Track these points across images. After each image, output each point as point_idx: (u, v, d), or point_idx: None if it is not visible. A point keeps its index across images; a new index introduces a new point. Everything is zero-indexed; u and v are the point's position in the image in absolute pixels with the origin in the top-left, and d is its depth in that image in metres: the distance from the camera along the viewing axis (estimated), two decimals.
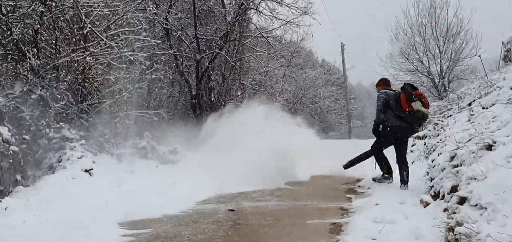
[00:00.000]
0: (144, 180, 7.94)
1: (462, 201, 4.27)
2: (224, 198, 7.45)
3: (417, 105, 7.35)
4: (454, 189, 4.87)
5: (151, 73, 13.67)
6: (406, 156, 7.59)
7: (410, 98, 7.38)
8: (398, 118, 7.44)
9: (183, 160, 11.01)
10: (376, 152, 7.74)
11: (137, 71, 11.68)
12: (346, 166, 8.32)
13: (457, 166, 5.36)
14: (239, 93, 18.35)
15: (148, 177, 8.40)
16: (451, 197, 4.64)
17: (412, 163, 9.98)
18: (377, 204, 5.84)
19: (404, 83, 7.84)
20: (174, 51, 15.74)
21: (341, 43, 37.72)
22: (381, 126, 7.53)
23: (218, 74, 17.67)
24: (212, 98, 16.92)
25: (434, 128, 10.30)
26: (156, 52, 14.71)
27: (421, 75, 25.51)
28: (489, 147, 5.22)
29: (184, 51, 16.56)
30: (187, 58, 17.07)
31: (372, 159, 8.02)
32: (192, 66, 17.24)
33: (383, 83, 8.02)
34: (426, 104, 7.53)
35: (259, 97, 22.07)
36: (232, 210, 6.31)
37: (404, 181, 7.27)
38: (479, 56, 15.71)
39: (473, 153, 5.32)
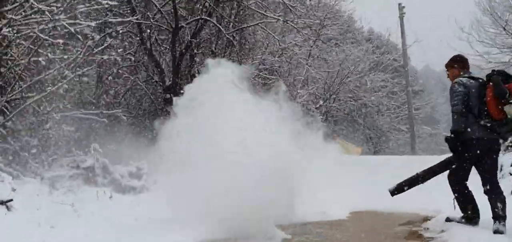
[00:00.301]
0: (90, 219, 7.94)
1: None
2: None
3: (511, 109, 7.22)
4: None
5: (102, 52, 13.71)
6: (498, 180, 7.56)
7: (502, 98, 7.25)
8: (482, 128, 7.37)
9: (150, 186, 11.04)
10: (455, 181, 7.68)
11: (80, 50, 11.72)
12: (395, 191, 8.34)
13: None
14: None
15: (97, 214, 8.41)
16: None
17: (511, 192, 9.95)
18: None
19: (493, 70, 7.67)
20: (138, 19, 15.80)
21: (399, 4, 37.72)
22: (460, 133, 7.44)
23: (206, 54, 17.72)
24: None
25: None
26: (110, 19, 14.79)
27: None
28: None
29: (153, 18, 16.63)
30: (158, 29, 17.14)
31: (445, 189, 7.96)
32: (166, 41, 17.31)
33: (459, 63, 7.90)
34: None
35: (270, 89, 22.20)
36: None
37: (498, 216, 7.18)
38: None
39: None
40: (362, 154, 30.15)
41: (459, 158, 7.56)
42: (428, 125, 48.00)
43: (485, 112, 7.34)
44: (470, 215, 7.57)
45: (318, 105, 29.65)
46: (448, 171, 7.80)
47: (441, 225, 7.82)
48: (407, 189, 8.28)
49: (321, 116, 28.80)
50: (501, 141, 7.74)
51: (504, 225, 7.09)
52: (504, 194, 9.57)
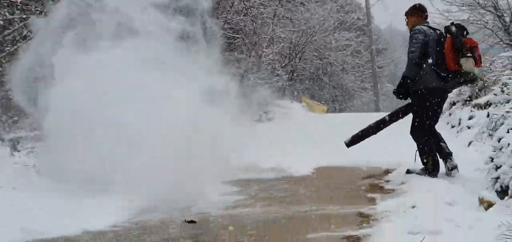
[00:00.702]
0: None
1: None
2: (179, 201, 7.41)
3: (469, 64, 7.41)
4: None
5: None
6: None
7: (460, 50, 7.41)
8: (439, 77, 7.55)
9: None
10: (420, 133, 7.80)
11: (40, 9, 11.46)
12: (350, 142, 8.51)
13: None
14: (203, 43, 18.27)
15: None
16: None
17: (469, 144, 10.14)
18: (413, 207, 5.87)
19: (452, 23, 7.88)
20: None
21: None
22: (415, 83, 7.63)
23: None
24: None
25: (502, 91, 10.44)
26: None
27: (483, 11, 25.64)
28: None
29: None
30: None
31: (406, 141, 8.09)
32: None
33: (419, 11, 8.00)
34: (478, 62, 7.60)
35: (234, 48, 22.12)
36: (192, 222, 6.29)
37: (452, 165, 7.71)
38: None
39: None
40: (328, 112, 30.35)
41: (419, 110, 7.67)
42: (392, 83, 48.41)
43: (442, 63, 7.50)
44: (430, 167, 7.69)
45: (283, 65, 29.64)
46: (411, 125, 7.91)
47: (401, 178, 7.93)
48: (361, 140, 8.47)
49: (287, 75, 28.84)
50: None
51: (457, 169, 7.64)
52: (462, 146, 9.86)
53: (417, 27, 7.71)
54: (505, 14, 24.64)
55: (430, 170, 7.68)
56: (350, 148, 8.63)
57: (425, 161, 7.78)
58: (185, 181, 7.50)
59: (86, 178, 7.54)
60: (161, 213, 6.85)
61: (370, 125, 8.40)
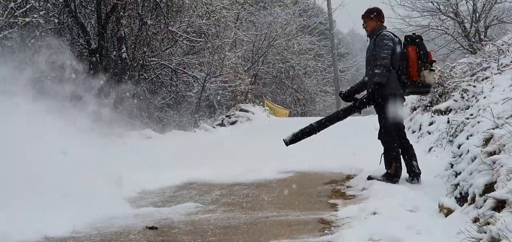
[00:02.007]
0: None
1: (500, 205, 4.36)
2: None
3: (430, 77, 7.61)
4: (489, 188, 4.99)
5: (25, 14, 13.31)
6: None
7: (423, 62, 7.58)
8: (401, 84, 7.71)
9: None
10: (392, 137, 7.88)
11: (1, 12, 11.33)
12: (289, 141, 8.43)
13: (494, 153, 5.48)
14: (166, 46, 18.20)
15: None
16: (484, 200, 4.74)
17: (429, 150, 10.24)
18: (375, 213, 5.91)
19: (414, 34, 8.00)
20: None
21: None
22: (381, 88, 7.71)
23: (132, 17, 17.41)
24: (124, 55, 16.68)
25: (462, 97, 10.56)
26: None
27: (444, 18, 26.04)
28: None
29: None
30: None
31: (370, 145, 8.14)
32: (91, 3, 16.91)
33: (376, 15, 8.09)
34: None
35: (197, 52, 22.07)
36: (153, 228, 6.24)
37: (415, 172, 7.74)
38: None
39: None
40: (290, 116, 30.44)
41: (385, 115, 7.82)
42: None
43: (405, 72, 7.67)
44: (392, 173, 7.75)
45: (246, 68, 29.67)
46: (378, 131, 7.97)
47: (363, 183, 7.99)
48: (301, 139, 8.42)
49: (250, 79, 28.86)
50: None
51: (420, 180, 7.76)
52: (422, 151, 9.97)
53: (385, 32, 7.81)
54: (465, 21, 25.10)
55: (392, 176, 7.74)
56: (289, 146, 8.53)
57: (388, 166, 7.85)
58: None
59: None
60: (121, 219, 6.79)
61: (311, 124, 8.41)
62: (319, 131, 8.36)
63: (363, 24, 8.21)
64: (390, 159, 7.82)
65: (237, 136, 16.57)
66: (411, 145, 7.99)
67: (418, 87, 7.75)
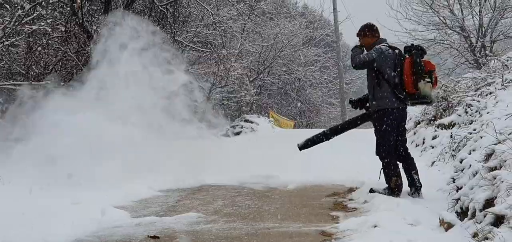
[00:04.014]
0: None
1: (499, 221, 4.37)
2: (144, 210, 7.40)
3: (427, 88, 7.53)
4: (489, 204, 5.00)
5: (32, 22, 13.37)
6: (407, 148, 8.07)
7: (419, 74, 7.53)
8: (396, 98, 7.70)
9: None
10: (384, 152, 7.89)
11: (9, 19, 11.39)
12: (303, 146, 8.75)
13: (495, 168, 5.48)
14: (173, 55, 18.23)
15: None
16: (484, 216, 4.76)
17: (432, 164, 10.24)
18: (375, 226, 5.92)
19: (412, 44, 7.97)
20: None
21: None
22: (376, 103, 7.84)
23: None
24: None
25: (466, 112, 10.56)
26: None
27: (450, 32, 26.02)
28: None
29: None
30: None
31: (373, 158, 8.16)
32: (98, 12, 16.97)
33: (370, 31, 8.11)
34: (434, 84, 7.70)
35: (203, 62, 22.12)
36: (155, 238, 6.26)
37: (415, 185, 7.75)
38: None
39: None
40: (295, 127, 30.44)
41: (380, 130, 7.83)
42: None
43: (400, 84, 7.66)
44: (393, 187, 7.76)
45: (252, 79, 29.69)
46: (375, 147, 7.97)
47: (364, 196, 7.99)
48: (314, 144, 8.70)
49: (255, 90, 28.88)
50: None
51: (420, 192, 7.78)
52: (425, 165, 9.98)
53: (377, 46, 7.82)
54: (471, 35, 25.07)
55: (393, 189, 7.75)
56: (302, 150, 8.87)
57: (388, 180, 7.86)
58: None
59: None
60: (124, 228, 6.83)
61: (324, 130, 8.63)
62: (332, 137, 8.54)
63: (359, 41, 8.22)
64: (389, 173, 7.84)
65: (240, 146, 16.56)
66: (412, 158, 8.02)
67: (417, 99, 7.74)
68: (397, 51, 7.86)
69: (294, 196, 9.04)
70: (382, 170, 8.02)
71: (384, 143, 7.83)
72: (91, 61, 12.00)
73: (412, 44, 7.94)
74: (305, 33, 37.11)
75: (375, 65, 7.69)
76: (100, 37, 11.91)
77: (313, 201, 8.54)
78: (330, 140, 8.59)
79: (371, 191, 7.96)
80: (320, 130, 9.31)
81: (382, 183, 8.01)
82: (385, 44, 7.88)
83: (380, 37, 8.07)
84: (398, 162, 7.92)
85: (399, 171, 7.87)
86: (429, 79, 7.49)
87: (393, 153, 7.87)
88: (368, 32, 8.04)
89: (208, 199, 8.91)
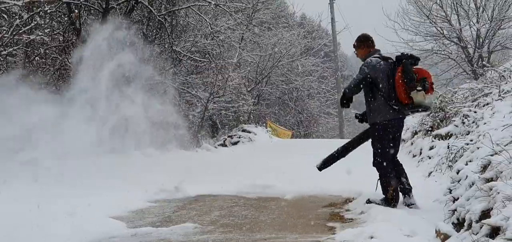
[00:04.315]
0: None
1: (495, 232, 4.36)
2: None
3: (419, 97, 7.49)
4: (485, 215, 4.99)
5: (30, 32, 13.37)
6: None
7: (410, 84, 7.50)
8: (391, 109, 7.71)
9: None
10: (380, 163, 7.91)
11: (7, 29, 11.39)
12: (321, 166, 8.72)
13: (491, 180, 5.48)
14: (170, 65, 18.24)
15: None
16: (480, 227, 4.75)
17: (429, 174, 10.23)
18: (372, 237, 5.90)
19: (403, 53, 7.94)
20: None
21: None
22: (371, 116, 7.90)
23: (137, 36, 17.48)
24: (127, 74, 16.72)
25: (463, 123, 10.57)
26: None
27: (448, 42, 26.09)
28: None
29: None
30: (87, 9, 16.78)
31: (370, 169, 8.17)
32: (96, 21, 16.96)
33: (364, 42, 8.16)
34: (429, 90, 7.65)
35: (201, 72, 22.12)
36: None
37: (405, 189, 7.85)
38: None
39: None
40: (293, 137, 30.44)
41: (377, 142, 7.90)
42: (356, 109, 48.93)
43: (394, 95, 7.65)
44: (390, 197, 7.76)
45: (250, 89, 29.71)
46: (373, 158, 7.98)
47: (361, 207, 7.99)
48: (331, 163, 8.69)
49: (253, 100, 28.89)
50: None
51: (412, 196, 7.83)
52: (422, 176, 9.99)
53: (369, 59, 7.86)
54: (468, 46, 25.13)
55: (390, 200, 7.75)
56: (321, 170, 8.84)
57: (385, 191, 7.86)
58: None
59: None
60: (120, 239, 6.83)
61: (338, 149, 8.60)
62: (346, 154, 8.58)
63: (355, 53, 8.34)
64: (386, 184, 7.84)
65: (239, 156, 16.56)
66: (400, 163, 8.07)
67: (412, 108, 7.72)
68: (390, 61, 7.87)
69: (291, 207, 9.04)
70: (379, 180, 8.06)
71: (381, 154, 7.86)
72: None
73: (402, 53, 7.91)
74: (303, 43, 37.17)
75: (369, 78, 7.73)
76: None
77: (310, 211, 8.53)
78: (346, 156, 8.60)
79: (368, 201, 7.97)
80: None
81: (379, 194, 8.01)
82: (377, 56, 7.90)
83: (375, 48, 8.11)
84: (394, 175, 7.92)
85: (396, 182, 7.87)
86: (420, 88, 7.46)
87: (390, 164, 7.88)
88: (362, 43, 8.11)
89: (205, 209, 8.90)
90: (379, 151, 7.88)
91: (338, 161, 8.66)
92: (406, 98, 7.54)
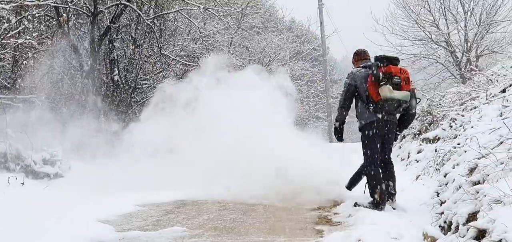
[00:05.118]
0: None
1: (481, 235, 4.37)
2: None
3: (384, 91, 7.70)
4: (472, 218, 5.00)
5: (18, 36, 13.31)
6: (391, 157, 8.26)
7: (377, 81, 7.76)
8: (370, 111, 7.93)
9: (67, 173, 10.91)
10: (366, 165, 8.10)
11: None
12: (350, 185, 9.01)
13: (478, 183, 5.50)
14: (159, 69, 18.22)
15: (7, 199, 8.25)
16: (467, 230, 4.76)
17: (417, 178, 10.26)
18: (359, 240, 5.92)
19: (376, 56, 8.16)
20: (56, 2, 15.39)
21: None
22: (358, 122, 8.20)
23: (126, 40, 17.46)
24: (116, 78, 16.68)
25: (451, 126, 10.62)
26: (27, 2, 14.34)
27: (436, 46, 26.20)
28: None
29: (72, 1, 16.23)
30: (76, 13, 16.74)
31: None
32: (85, 26, 16.94)
33: (357, 56, 8.57)
34: (401, 85, 7.82)
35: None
36: None
37: (389, 192, 7.97)
38: None
39: (502, 163, 5.48)
40: None
41: (362, 145, 8.12)
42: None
43: (369, 97, 7.93)
44: (377, 201, 7.82)
45: None
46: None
47: (349, 210, 8.02)
48: (358, 180, 8.89)
49: None
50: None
51: (395, 200, 8.00)
52: (410, 179, 10.02)
53: (348, 72, 8.37)
54: (457, 50, 25.26)
55: (378, 203, 7.81)
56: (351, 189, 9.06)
57: (373, 194, 7.92)
58: None
59: None
60: None
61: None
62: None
63: (353, 66, 8.67)
64: (374, 187, 7.93)
65: (227, 159, 16.54)
66: (392, 165, 8.23)
67: (387, 105, 7.83)
68: (363, 72, 8.16)
69: (279, 210, 9.03)
70: (367, 184, 8.12)
71: (367, 158, 8.04)
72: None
73: (375, 56, 8.14)
74: (292, 47, 37.21)
75: (352, 86, 8.14)
76: None
77: (298, 215, 8.54)
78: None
79: (356, 205, 8.04)
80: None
81: (367, 197, 8.06)
82: (362, 66, 8.24)
83: (367, 59, 8.44)
84: (381, 177, 7.99)
85: (383, 184, 7.92)
86: (383, 83, 7.70)
87: (377, 166, 7.96)
88: (355, 57, 8.59)
89: (193, 213, 8.88)
90: (366, 155, 8.04)
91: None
92: (376, 95, 7.79)
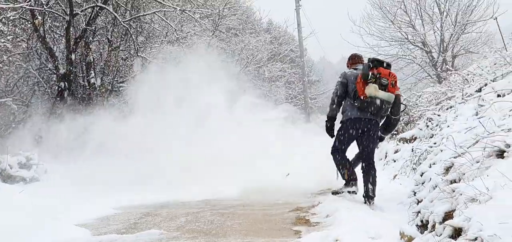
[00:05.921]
0: None
1: (457, 233, 4.38)
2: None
3: (370, 89, 8.06)
4: (448, 216, 5.01)
5: None
6: (374, 159, 8.45)
7: (365, 79, 8.13)
8: (354, 108, 8.30)
9: (43, 177, 10.81)
10: (334, 153, 8.58)
11: None
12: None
13: (454, 181, 5.52)
14: (135, 72, 18.11)
15: None
16: (443, 228, 4.76)
17: (394, 177, 10.31)
18: (337, 240, 5.92)
19: (369, 58, 8.54)
20: (31, 4, 15.25)
21: None
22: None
23: (102, 43, 17.36)
24: (92, 80, 16.57)
25: (427, 126, 10.68)
26: (1, 5, 14.21)
27: (413, 47, 26.38)
28: (501, 154, 5.42)
29: (47, 4, 16.10)
30: (52, 15, 16.61)
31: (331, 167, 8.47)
32: (61, 28, 16.81)
33: (351, 60, 8.97)
34: (388, 87, 8.18)
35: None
36: None
37: (368, 195, 8.17)
38: (495, 19, 16.43)
39: (478, 162, 5.51)
40: None
41: (336, 135, 8.62)
42: (324, 113, 49.19)
43: (356, 94, 8.27)
44: (347, 179, 8.44)
45: None
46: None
47: (327, 210, 8.04)
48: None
49: None
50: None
51: (373, 202, 8.24)
52: (387, 178, 10.12)
53: (341, 72, 8.68)
54: (433, 50, 25.46)
55: (348, 181, 8.40)
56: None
57: (343, 176, 8.50)
58: None
59: None
60: None
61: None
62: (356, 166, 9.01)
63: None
64: (341, 167, 8.50)
65: (205, 161, 16.52)
66: (374, 169, 8.38)
67: (372, 104, 8.13)
68: (355, 72, 8.58)
69: (257, 211, 9.03)
70: (337, 171, 8.69)
71: (333, 147, 8.61)
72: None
73: (368, 59, 8.52)
74: (270, 48, 37.28)
75: (345, 85, 8.50)
76: None
77: (276, 216, 8.53)
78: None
79: (333, 192, 8.58)
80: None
81: (341, 183, 8.63)
82: (354, 68, 8.70)
83: (360, 62, 8.83)
84: (347, 159, 8.61)
85: (346, 164, 8.52)
86: (370, 81, 8.06)
87: (342, 153, 8.54)
88: (348, 61, 9.02)
89: (171, 215, 8.84)
90: (334, 143, 8.59)
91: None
92: (362, 93, 8.11)
